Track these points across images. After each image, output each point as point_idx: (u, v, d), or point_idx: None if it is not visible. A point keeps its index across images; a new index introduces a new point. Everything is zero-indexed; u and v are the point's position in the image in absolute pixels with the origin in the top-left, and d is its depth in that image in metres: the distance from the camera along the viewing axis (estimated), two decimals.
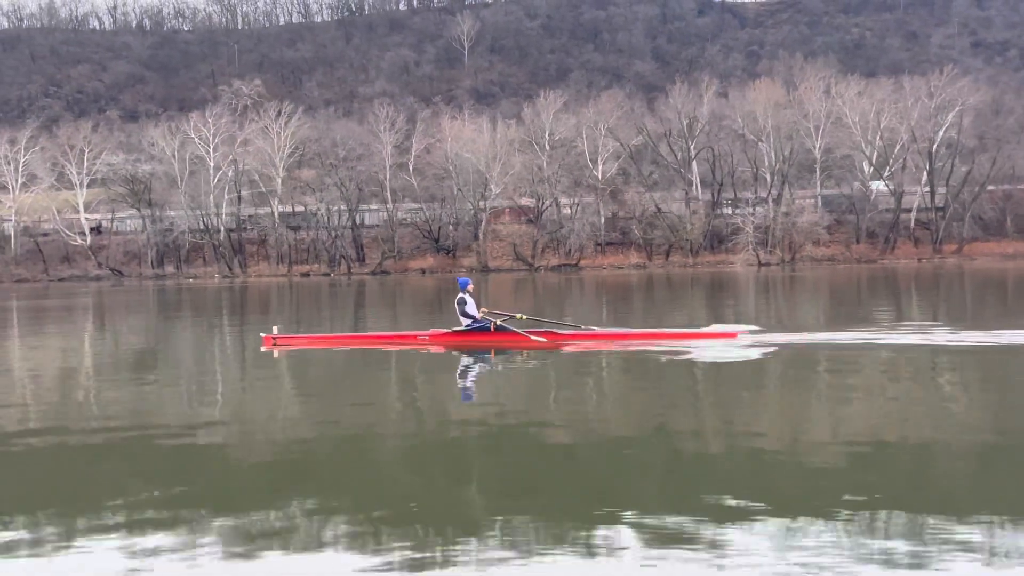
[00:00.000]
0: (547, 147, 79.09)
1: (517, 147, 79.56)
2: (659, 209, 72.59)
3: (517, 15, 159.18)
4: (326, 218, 79.10)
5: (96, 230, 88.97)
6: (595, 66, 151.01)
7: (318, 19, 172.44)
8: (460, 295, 14.82)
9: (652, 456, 6.94)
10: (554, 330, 14.78)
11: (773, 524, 5.06)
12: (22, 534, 5.29)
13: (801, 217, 67.29)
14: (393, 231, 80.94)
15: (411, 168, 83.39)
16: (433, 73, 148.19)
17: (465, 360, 13.23)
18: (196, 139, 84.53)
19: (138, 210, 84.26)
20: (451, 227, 79.59)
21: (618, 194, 76.69)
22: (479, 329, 14.52)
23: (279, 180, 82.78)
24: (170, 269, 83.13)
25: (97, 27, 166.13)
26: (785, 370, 11.67)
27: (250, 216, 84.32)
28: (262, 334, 15.73)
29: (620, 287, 40.72)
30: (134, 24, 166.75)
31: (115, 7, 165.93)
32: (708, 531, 4.96)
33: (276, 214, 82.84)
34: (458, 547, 4.83)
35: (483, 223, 77.54)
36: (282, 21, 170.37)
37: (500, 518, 5.31)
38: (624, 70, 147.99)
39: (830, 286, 37.23)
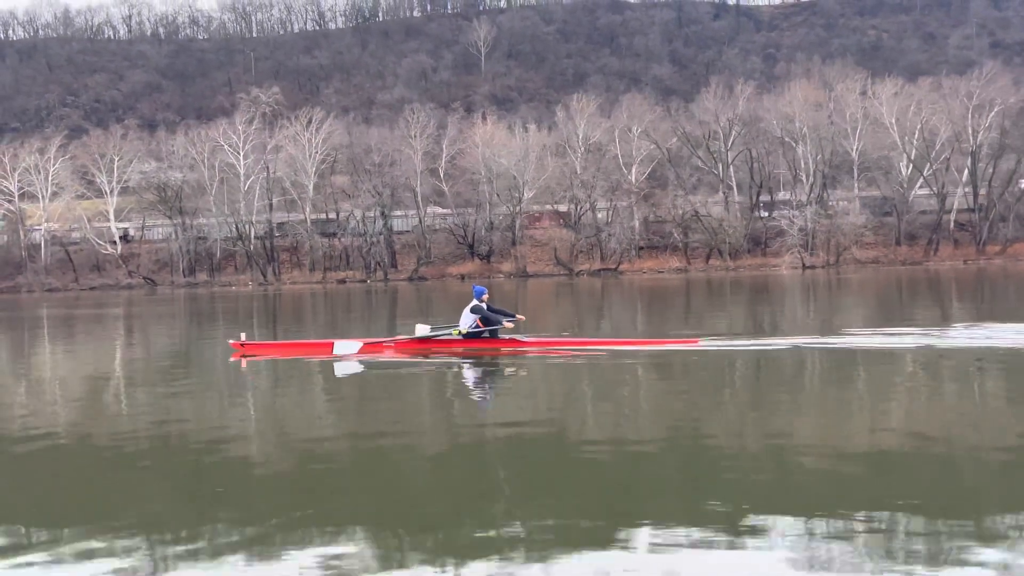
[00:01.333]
0: (580, 151, 78.73)
1: (550, 151, 79.21)
2: (697, 213, 72.04)
3: (533, 20, 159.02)
4: (361, 224, 78.52)
5: (123, 238, 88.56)
6: (612, 71, 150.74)
7: (332, 26, 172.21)
8: (475, 303, 14.85)
9: (663, 462, 6.92)
10: (517, 337, 14.98)
11: (794, 529, 5.04)
12: (41, 541, 5.35)
13: (845, 219, 66.66)
14: (425, 237, 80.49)
15: (442, 173, 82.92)
16: (451, 79, 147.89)
17: (434, 368, 13.33)
18: (226, 146, 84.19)
19: (169, 218, 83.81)
20: (484, 231, 79.09)
21: (651, 197, 76.19)
22: (490, 335, 14.69)
23: (310, 186, 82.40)
24: (202, 277, 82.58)
25: (112, 36, 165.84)
26: (819, 374, 11.74)
27: (280, 223, 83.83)
28: (230, 341, 15.68)
29: (666, 292, 40.16)
30: (149, 33, 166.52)
31: (130, 16, 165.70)
32: (727, 536, 4.94)
33: (308, 221, 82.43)
34: (474, 555, 4.83)
35: (517, 228, 77.08)
36: (296, 29, 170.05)
37: (520, 524, 5.32)
38: (642, 74, 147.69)
39: (890, 288, 36.72)
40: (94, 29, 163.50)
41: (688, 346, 14.07)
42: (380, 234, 77.98)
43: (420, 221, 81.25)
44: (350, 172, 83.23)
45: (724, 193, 73.42)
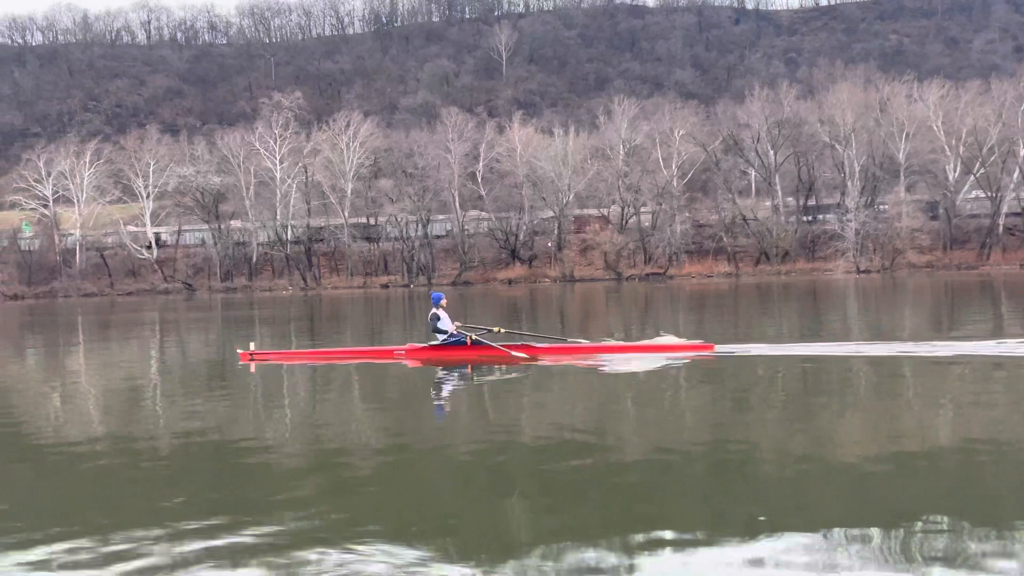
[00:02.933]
0: (621, 154, 78.13)
1: (590, 155, 78.62)
2: (744, 217, 71.34)
3: (554, 25, 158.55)
4: (403, 229, 77.86)
5: (156, 243, 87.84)
6: (634, 75, 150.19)
7: (350, 31, 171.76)
8: (433, 311, 14.71)
9: (685, 469, 6.87)
10: (531, 343, 14.78)
11: (815, 538, 5.00)
12: (66, 544, 5.37)
13: (900, 223, 65.91)
14: (463, 241, 79.81)
15: (479, 178, 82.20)
16: (473, 84, 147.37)
17: (444, 375, 13.23)
18: (262, 150, 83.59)
19: (207, 223, 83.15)
20: (521, 236, 78.37)
21: (695, 201, 75.57)
22: (455, 343, 14.50)
23: (348, 190, 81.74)
24: (240, 282, 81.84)
25: (131, 41, 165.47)
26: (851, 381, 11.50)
27: (318, 228, 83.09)
28: (239, 350, 15.64)
29: (724, 296, 39.36)
30: (167, 38, 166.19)
31: (148, 22, 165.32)
32: (743, 543, 4.93)
33: (347, 225, 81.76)
34: (496, 558, 4.85)
35: (557, 232, 76.37)
36: (315, 34, 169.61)
37: (542, 529, 5.36)
38: (664, 78, 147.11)
39: (950, 293, 35.83)
40: (113, 35, 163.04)
41: (703, 352, 13.82)
42: (425, 239, 77.21)
43: (460, 226, 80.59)
44: (389, 176, 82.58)
45: (774, 196, 72.69)
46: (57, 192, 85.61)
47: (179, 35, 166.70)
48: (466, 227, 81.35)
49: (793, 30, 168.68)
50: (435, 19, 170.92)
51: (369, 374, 13.80)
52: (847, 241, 66.68)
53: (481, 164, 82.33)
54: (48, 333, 30.04)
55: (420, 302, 44.82)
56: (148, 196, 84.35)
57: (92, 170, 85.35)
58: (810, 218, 73.14)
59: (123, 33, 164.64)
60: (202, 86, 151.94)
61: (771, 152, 73.30)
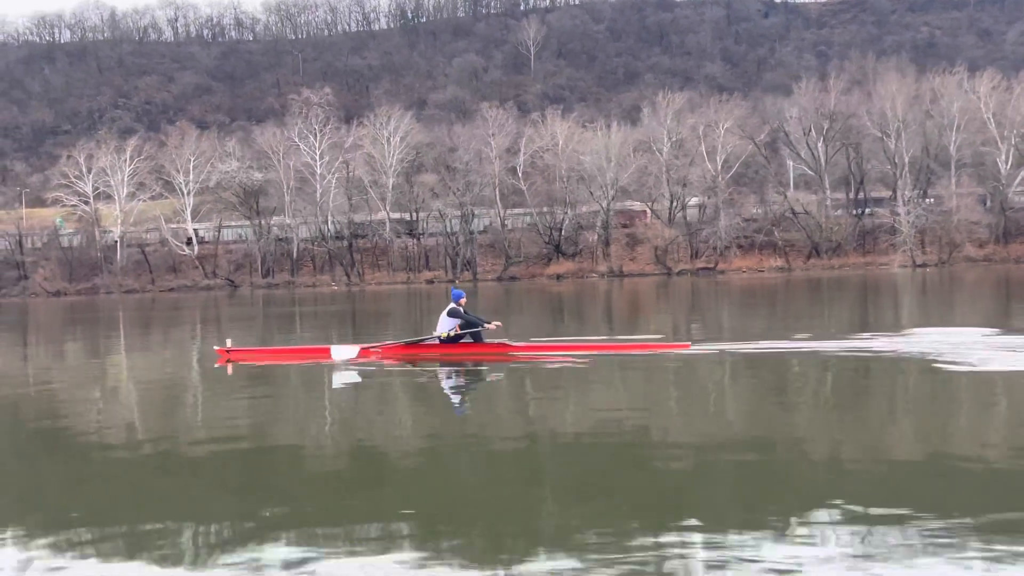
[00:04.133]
0: (666, 147, 77.34)
1: (633, 148, 77.88)
2: (794, 211, 70.47)
3: (582, 19, 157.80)
4: (449, 224, 77.40)
5: (195, 239, 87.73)
6: (663, 69, 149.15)
7: (376, 27, 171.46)
8: (452, 306, 14.44)
9: (715, 465, 6.73)
10: (505, 340, 14.63)
11: (845, 533, 4.93)
12: (96, 540, 5.37)
13: (958, 215, 64.89)
14: (504, 237, 79.30)
15: (519, 172, 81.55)
16: (501, 78, 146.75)
17: (419, 373, 13.09)
18: (302, 146, 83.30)
19: (248, 219, 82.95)
20: (564, 231, 77.71)
21: (743, 194, 74.77)
22: (470, 338, 14.34)
23: (390, 185, 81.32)
24: (282, 278, 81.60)
25: (158, 38, 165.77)
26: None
27: (359, 223, 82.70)
28: (216, 347, 15.36)
29: (781, 291, 38.51)
30: (194, 35, 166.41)
31: (175, 19, 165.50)
32: (776, 538, 4.88)
33: (388, 221, 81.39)
34: (522, 555, 4.81)
35: (604, 227, 75.69)
36: (341, 29, 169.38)
37: (568, 525, 5.30)
38: (694, 72, 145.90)
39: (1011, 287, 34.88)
40: (141, 32, 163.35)
41: (680, 350, 13.77)
42: (471, 233, 76.70)
43: (500, 221, 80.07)
44: (431, 171, 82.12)
45: (819, 190, 71.77)
46: (97, 188, 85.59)
47: (206, 32, 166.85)
48: (506, 222, 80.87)
49: (822, 23, 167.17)
50: (460, 14, 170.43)
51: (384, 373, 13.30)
52: (902, 234, 65.65)
53: (521, 158, 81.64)
54: (89, 330, 29.65)
55: (471, 298, 44.13)
56: (188, 192, 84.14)
57: (132, 166, 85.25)
58: (859, 211, 72.14)
59: (150, 30, 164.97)
60: (230, 83, 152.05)
61: (821, 145, 72.29)
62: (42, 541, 5.39)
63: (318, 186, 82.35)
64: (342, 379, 12.43)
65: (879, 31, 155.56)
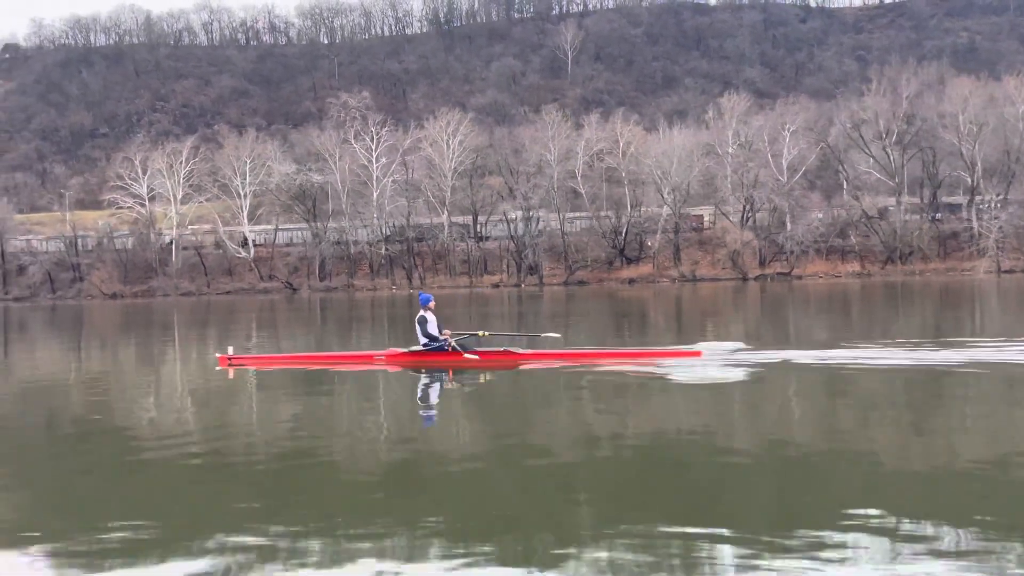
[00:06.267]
0: (731, 150, 76.25)
1: (698, 151, 76.78)
2: (868, 215, 69.17)
3: (619, 23, 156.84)
4: (515, 226, 76.36)
5: (251, 242, 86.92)
6: (701, 73, 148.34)
7: (409, 31, 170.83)
8: (421, 313, 14.18)
9: (747, 474, 6.68)
10: (513, 349, 14.54)
11: (888, 542, 4.88)
12: (126, 543, 5.40)
13: None
14: (564, 241, 78.22)
15: (579, 175, 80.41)
16: (539, 83, 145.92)
17: (427, 381, 13.04)
18: (358, 148, 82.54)
19: (307, 221, 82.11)
20: (629, 234, 76.61)
21: (813, 198, 73.54)
22: (437, 349, 14.00)
23: (449, 188, 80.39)
24: (340, 281, 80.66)
25: (192, 41, 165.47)
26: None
27: (418, 226, 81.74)
28: (217, 354, 15.46)
29: (862, 298, 37.22)
30: (228, 39, 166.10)
31: (210, 22, 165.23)
32: (811, 547, 4.83)
33: (447, 224, 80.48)
34: (556, 560, 4.80)
35: (671, 230, 74.57)
36: (375, 33, 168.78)
37: (602, 532, 5.26)
38: (732, 76, 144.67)
39: None
40: (176, 35, 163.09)
41: (691, 359, 13.42)
42: (538, 236, 75.62)
43: (560, 224, 79.01)
44: (492, 174, 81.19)
45: (895, 193, 70.50)
46: (152, 191, 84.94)
47: (240, 36, 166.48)
48: (565, 226, 79.82)
49: (859, 28, 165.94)
50: (494, 18, 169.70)
51: (397, 380, 13.40)
52: (986, 239, 64.29)
53: (580, 161, 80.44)
54: (142, 332, 29.43)
55: (527, 301, 43.97)
56: (245, 195, 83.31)
57: (188, 167, 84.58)
58: (936, 215, 70.82)
59: (185, 34, 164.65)
60: (266, 86, 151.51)
61: (896, 148, 70.99)
62: (74, 542, 5.43)
63: (375, 189, 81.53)
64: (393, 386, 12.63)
65: (918, 36, 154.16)
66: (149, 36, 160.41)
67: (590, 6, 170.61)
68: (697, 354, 13.53)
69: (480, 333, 14.87)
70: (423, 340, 14.06)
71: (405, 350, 14.48)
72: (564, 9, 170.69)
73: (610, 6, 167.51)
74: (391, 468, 7.36)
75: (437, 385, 12.72)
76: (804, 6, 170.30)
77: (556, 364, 13.60)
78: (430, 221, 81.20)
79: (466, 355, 13.69)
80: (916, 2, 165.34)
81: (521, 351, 14.39)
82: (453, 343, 13.94)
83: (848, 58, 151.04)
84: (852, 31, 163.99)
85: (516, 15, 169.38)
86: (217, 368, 14.70)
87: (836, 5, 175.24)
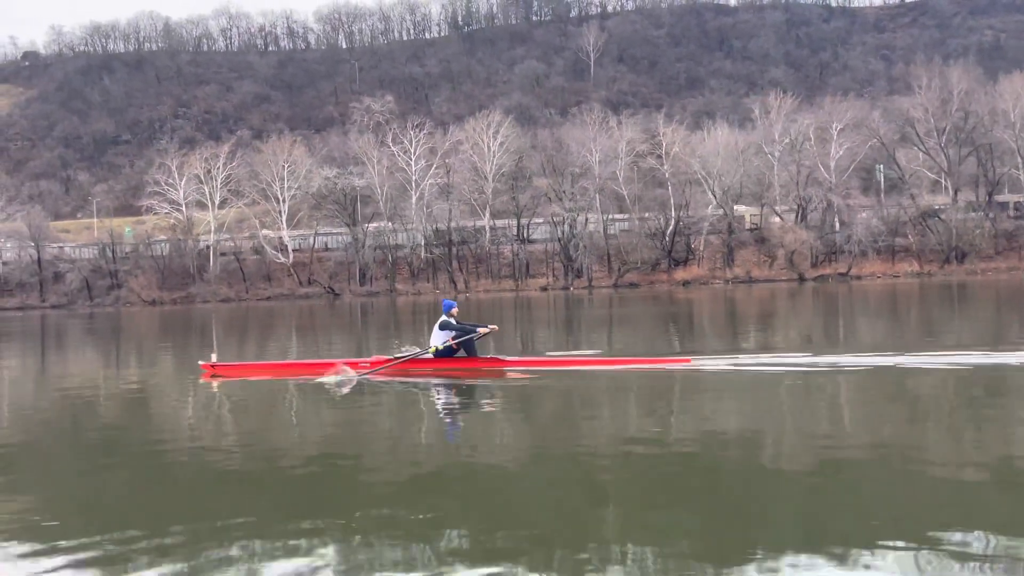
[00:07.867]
0: (778, 150, 75.22)
1: (742, 151, 75.77)
2: (924, 214, 68.07)
3: (641, 24, 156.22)
4: (562, 229, 75.32)
5: (290, 247, 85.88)
6: (725, 74, 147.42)
7: (427, 35, 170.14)
8: (444, 318, 14.07)
9: (769, 483, 6.60)
10: (499, 356, 14.48)
11: (916, 554, 4.80)
12: (150, 548, 5.42)
13: None
14: (610, 242, 77.18)
15: (620, 176, 79.33)
16: (563, 85, 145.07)
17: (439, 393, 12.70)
18: (397, 152, 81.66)
19: (348, 225, 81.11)
20: (677, 236, 75.48)
21: (860, 199, 72.48)
22: (444, 355, 13.91)
23: (490, 191, 79.41)
24: (381, 286, 79.62)
25: (211, 48, 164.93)
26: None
27: (460, 229, 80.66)
28: (200, 362, 15.12)
29: (937, 299, 35.82)
30: (246, 45, 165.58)
31: (229, 28, 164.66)
32: (842, 557, 4.79)
33: (489, 227, 79.48)
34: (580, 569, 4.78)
35: (725, 230, 73.44)
36: (394, 38, 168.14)
37: (624, 541, 5.19)
38: (757, 77, 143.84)
39: None
40: (195, 42, 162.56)
41: (681, 365, 13.31)
42: (589, 238, 74.57)
43: (603, 226, 78.01)
44: (534, 176, 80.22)
45: (951, 192, 69.39)
46: (188, 196, 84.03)
47: (258, 42, 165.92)
48: (610, 228, 78.84)
49: (881, 27, 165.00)
50: (512, 21, 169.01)
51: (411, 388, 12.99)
52: None
53: (622, 162, 79.36)
54: (180, 338, 29.19)
55: (576, 306, 42.78)
56: (284, 200, 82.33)
57: (226, 172, 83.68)
58: (992, 214, 69.71)
59: (204, 40, 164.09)
60: (288, 92, 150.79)
61: (952, 146, 69.89)
62: (97, 545, 5.50)
63: (414, 192, 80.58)
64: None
65: (942, 35, 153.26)
66: (169, 42, 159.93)
67: (610, 8, 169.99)
68: (686, 360, 13.62)
69: (491, 327, 14.55)
70: (446, 341, 13.88)
71: (388, 357, 14.26)
72: (583, 11, 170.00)
73: (630, 8, 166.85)
74: (416, 476, 7.27)
75: (443, 393, 12.57)
76: (826, 5, 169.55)
77: (539, 370, 13.48)
78: (473, 224, 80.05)
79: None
80: (938, 1, 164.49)
81: (508, 358, 14.24)
82: (439, 347, 13.84)
83: (873, 57, 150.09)
84: (874, 30, 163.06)
85: (535, 18, 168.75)
86: (201, 380, 14.23)
87: (857, 4, 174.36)
